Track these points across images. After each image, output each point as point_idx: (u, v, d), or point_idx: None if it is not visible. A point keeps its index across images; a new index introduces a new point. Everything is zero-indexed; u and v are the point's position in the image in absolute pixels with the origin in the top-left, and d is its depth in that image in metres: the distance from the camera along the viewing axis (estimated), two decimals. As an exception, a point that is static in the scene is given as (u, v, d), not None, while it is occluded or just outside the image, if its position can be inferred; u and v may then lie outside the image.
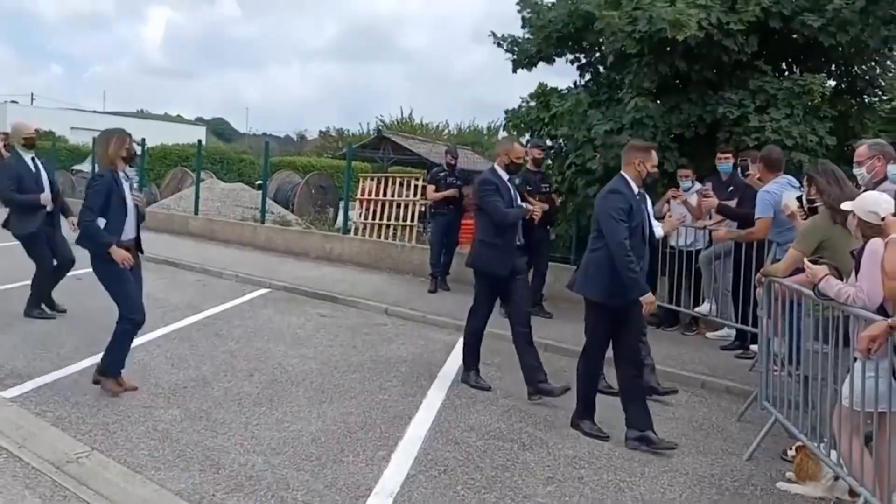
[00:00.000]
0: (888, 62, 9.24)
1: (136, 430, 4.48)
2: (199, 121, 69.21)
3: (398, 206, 13.11)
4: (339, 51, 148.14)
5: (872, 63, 9.12)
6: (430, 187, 10.01)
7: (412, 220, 12.87)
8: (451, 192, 9.76)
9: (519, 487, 4.08)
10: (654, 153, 5.04)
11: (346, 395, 5.49)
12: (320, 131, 47.02)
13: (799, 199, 5.52)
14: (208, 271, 10.68)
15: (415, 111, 41.03)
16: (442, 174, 9.99)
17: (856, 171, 5.03)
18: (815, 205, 4.93)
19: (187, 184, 18.32)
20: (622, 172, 4.98)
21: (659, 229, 5.41)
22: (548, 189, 8.56)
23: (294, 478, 3.97)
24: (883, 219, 3.73)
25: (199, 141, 17.58)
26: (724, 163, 7.59)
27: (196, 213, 15.30)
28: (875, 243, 3.70)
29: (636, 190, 4.89)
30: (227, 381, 5.62)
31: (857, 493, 3.72)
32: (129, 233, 5.20)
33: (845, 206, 4.05)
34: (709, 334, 8.00)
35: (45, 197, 7.12)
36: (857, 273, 3.81)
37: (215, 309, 8.20)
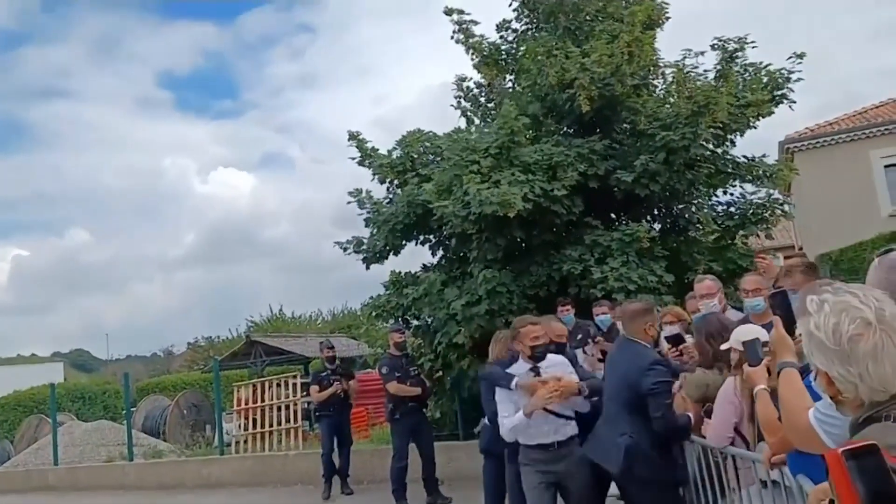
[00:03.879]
0: (699, 200, 10.27)
1: None
2: (56, 356, 64.85)
3: (279, 408, 12.60)
4: (200, 256, 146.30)
5: (686, 203, 10.10)
6: (314, 388, 9.62)
7: (295, 421, 12.35)
8: (334, 388, 9.29)
9: None
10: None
11: None
12: (188, 343, 45.20)
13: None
14: (72, 530, 9.60)
15: (286, 304, 40.62)
16: (324, 374, 9.58)
17: (704, 303, 5.31)
18: None
19: (45, 432, 16.81)
20: (635, 339, 4.28)
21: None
22: (417, 372, 8.42)
23: None
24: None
25: (52, 384, 16.39)
26: (601, 316, 7.25)
27: (55, 462, 13.93)
28: (728, 384, 3.85)
29: None
30: None
31: None
32: None
33: (724, 346, 4.06)
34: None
35: None
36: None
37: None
